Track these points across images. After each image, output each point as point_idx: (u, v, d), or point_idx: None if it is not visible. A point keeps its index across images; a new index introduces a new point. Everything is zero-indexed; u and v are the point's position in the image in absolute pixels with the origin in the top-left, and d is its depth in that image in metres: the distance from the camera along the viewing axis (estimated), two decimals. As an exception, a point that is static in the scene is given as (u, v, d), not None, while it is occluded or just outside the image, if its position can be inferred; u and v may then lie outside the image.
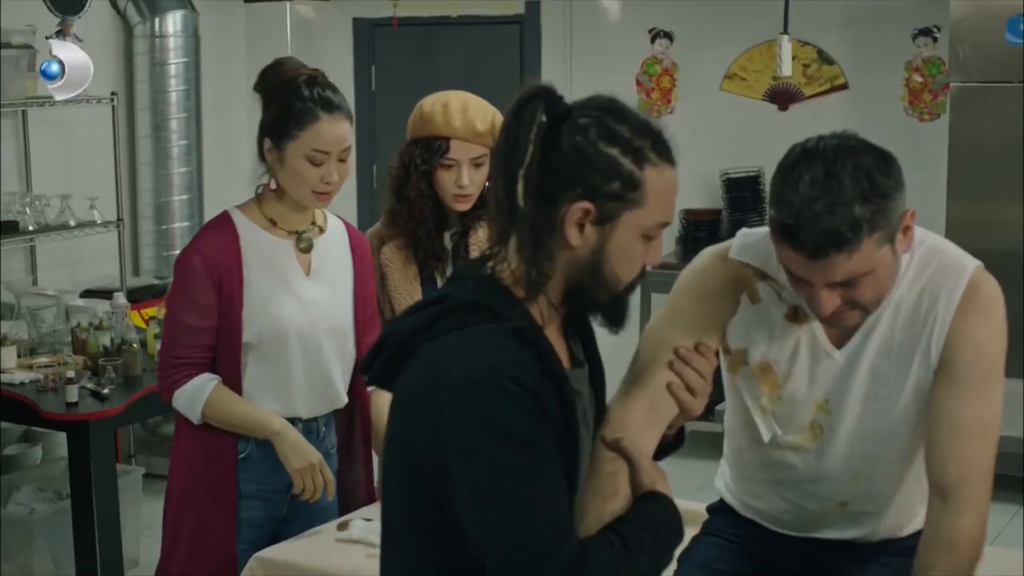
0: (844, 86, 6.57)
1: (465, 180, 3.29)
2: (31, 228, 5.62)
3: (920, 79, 6.41)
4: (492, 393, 1.79)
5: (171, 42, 6.40)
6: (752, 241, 2.31)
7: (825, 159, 2.05)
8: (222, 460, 3.04)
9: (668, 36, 6.87)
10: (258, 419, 3.01)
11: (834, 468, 2.34)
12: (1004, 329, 2.23)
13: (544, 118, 1.88)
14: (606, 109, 1.92)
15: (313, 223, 3.14)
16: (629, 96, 6.87)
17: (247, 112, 7.27)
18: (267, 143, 2.99)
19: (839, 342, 2.27)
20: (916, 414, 2.26)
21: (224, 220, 3.08)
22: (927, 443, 2.22)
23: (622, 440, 1.99)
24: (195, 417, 3.00)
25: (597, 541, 1.89)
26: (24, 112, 5.89)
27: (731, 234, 6.97)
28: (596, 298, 1.95)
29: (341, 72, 7.39)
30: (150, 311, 5.52)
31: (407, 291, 3.40)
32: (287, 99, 2.97)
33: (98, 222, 5.85)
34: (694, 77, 6.84)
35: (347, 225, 3.26)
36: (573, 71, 7.00)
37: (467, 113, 3.31)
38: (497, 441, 1.79)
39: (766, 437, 2.34)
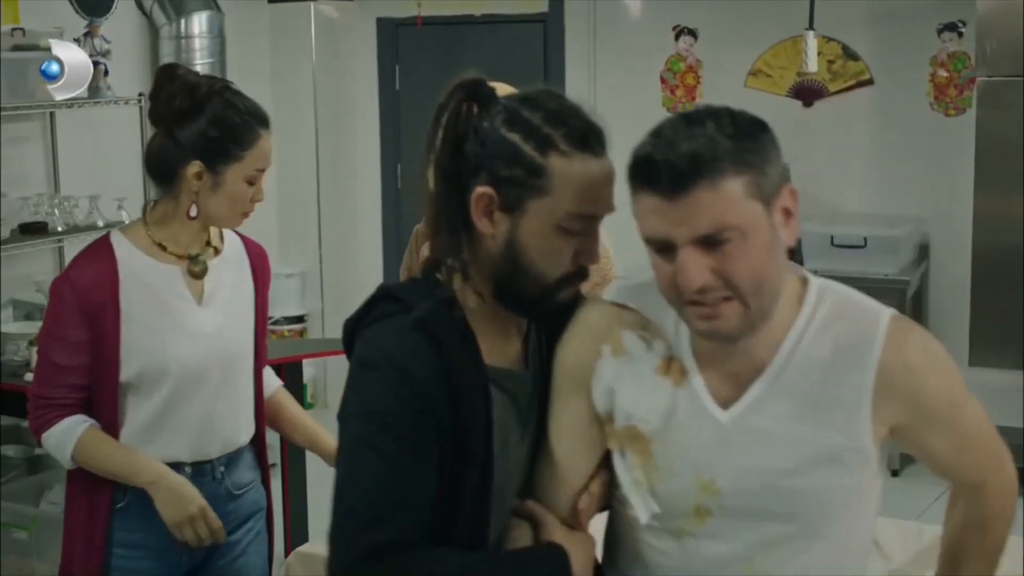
0: (869, 82, 6.55)
1: None
2: (60, 229, 5.65)
3: (945, 74, 6.39)
4: (370, 374, 1.87)
5: (197, 43, 6.43)
6: (630, 285, 2.01)
7: (693, 111, 1.81)
8: (97, 508, 2.79)
9: (692, 33, 6.87)
10: (130, 466, 2.74)
11: (722, 557, 1.86)
12: (949, 360, 1.92)
13: (465, 107, 1.91)
14: (525, 98, 1.93)
15: (208, 243, 2.85)
16: (653, 93, 6.94)
17: (271, 111, 7.30)
18: (195, 166, 2.69)
19: (726, 401, 1.86)
20: (828, 490, 1.83)
21: (102, 246, 2.78)
22: (943, 465, 1.98)
23: (527, 504, 1.95)
24: (65, 461, 2.78)
25: (438, 551, 1.86)
26: (52, 114, 5.92)
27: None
28: (524, 292, 1.92)
29: (365, 72, 7.42)
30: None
31: None
32: (222, 115, 2.70)
33: (126, 223, 5.86)
34: (719, 74, 6.84)
35: (244, 239, 2.96)
36: (597, 69, 7.01)
37: None
38: (363, 418, 1.86)
39: (643, 518, 1.88)
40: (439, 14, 7.18)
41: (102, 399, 2.74)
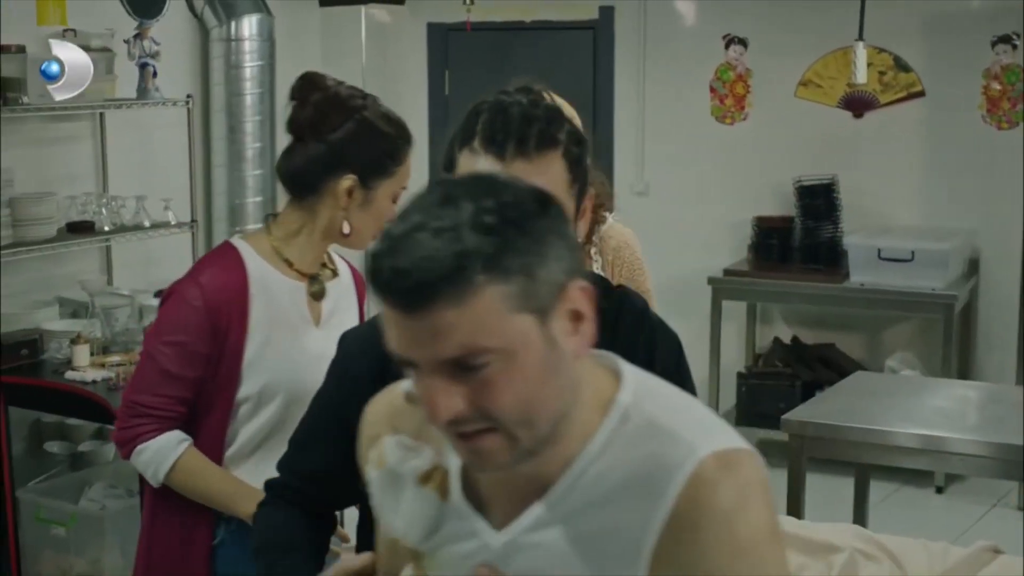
0: (921, 93, 6.49)
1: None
2: (107, 228, 5.69)
3: (999, 87, 6.32)
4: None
5: (246, 45, 6.46)
6: None
7: (453, 185, 1.45)
8: (194, 540, 2.60)
9: (742, 42, 6.83)
10: (233, 494, 2.54)
11: None
12: (768, 505, 1.49)
13: None
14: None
15: (325, 265, 2.73)
16: (702, 102, 6.90)
17: (321, 115, 7.34)
18: (349, 180, 2.54)
19: (504, 517, 1.55)
20: None
21: (230, 253, 2.61)
22: None
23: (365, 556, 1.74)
24: (155, 480, 2.58)
25: (283, 511, 2.10)
26: (102, 114, 5.97)
27: (804, 241, 6.92)
28: None
29: (415, 76, 7.44)
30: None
31: None
32: (380, 129, 2.56)
33: (172, 223, 5.92)
34: (768, 83, 6.79)
35: (351, 266, 2.85)
36: (646, 77, 6.98)
37: None
38: None
39: None
40: (489, 19, 7.18)
41: (211, 417, 2.55)
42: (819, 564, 2.71)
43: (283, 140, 7.33)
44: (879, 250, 6.09)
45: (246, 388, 2.56)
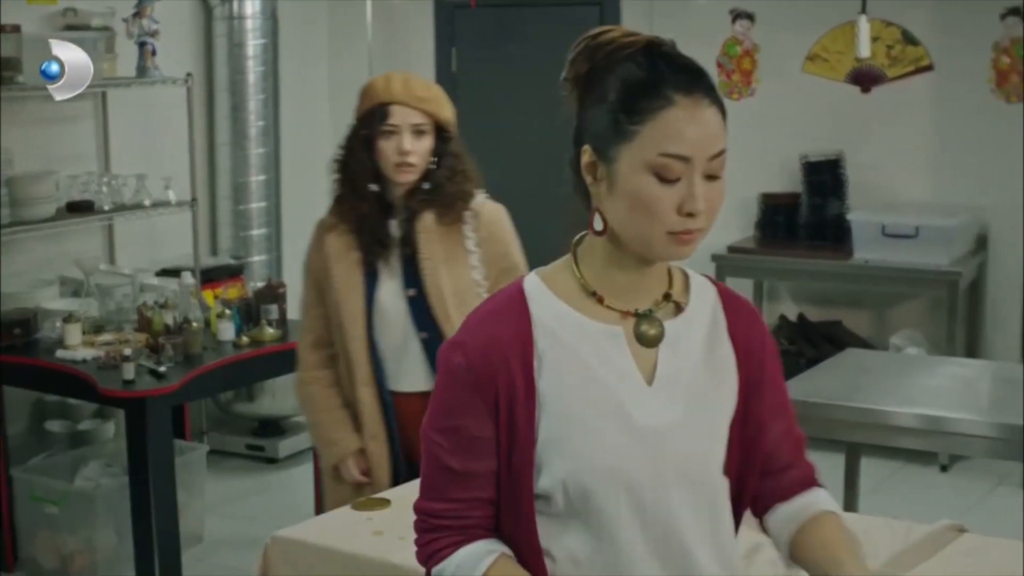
0: (929, 67, 6.40)
1: (406, 145, 3.28)
2: (106, 208, 5.71)
3: (1008, 60, 6.22)
4: None
5: (249, 23, 6.46)
6: None
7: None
8: None
9: (749, 17, 6.76)
10: None
11: None
12: None
13: None
14: None
15: (666, 295, 1.91)
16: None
17: (327, 94, 7.35)
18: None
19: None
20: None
21: (512, 295, 1.89)
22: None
23: None
24: None
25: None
26: (103, 93, 5.98)
27: (810, 218, 6.85)
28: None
29: (421, 53, 7.41)
30: (234, 291, 5.62)
31: (348, 281, 3.37)
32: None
33: (172, 202, 5.93)
34: (775, 58, 6.72)
35: (722, 289, 1.98)
36: (653, 52, 6.92)
37: (408, 81, 3.35)
38: None
39: None
40: (496, -4, 7.14)
41: (514, 518, 1.88)
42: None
43: (287, 118, 7.40)
44: (883, 226, 6.02)
45: (546, 479, 1.85)
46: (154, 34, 5.82)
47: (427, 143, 3.33)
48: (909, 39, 6.41)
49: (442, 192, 3.35)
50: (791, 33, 6.65)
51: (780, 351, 2.06)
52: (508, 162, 7.22)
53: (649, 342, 1.85)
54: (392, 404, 3.41)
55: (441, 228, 3.36)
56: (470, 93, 7.34)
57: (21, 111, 5.63)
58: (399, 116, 3.29)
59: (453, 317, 3.28)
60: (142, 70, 5.82)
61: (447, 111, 3.41)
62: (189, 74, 5.99)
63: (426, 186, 3.34)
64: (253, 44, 6.48)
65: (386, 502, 3.02)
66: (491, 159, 7.71)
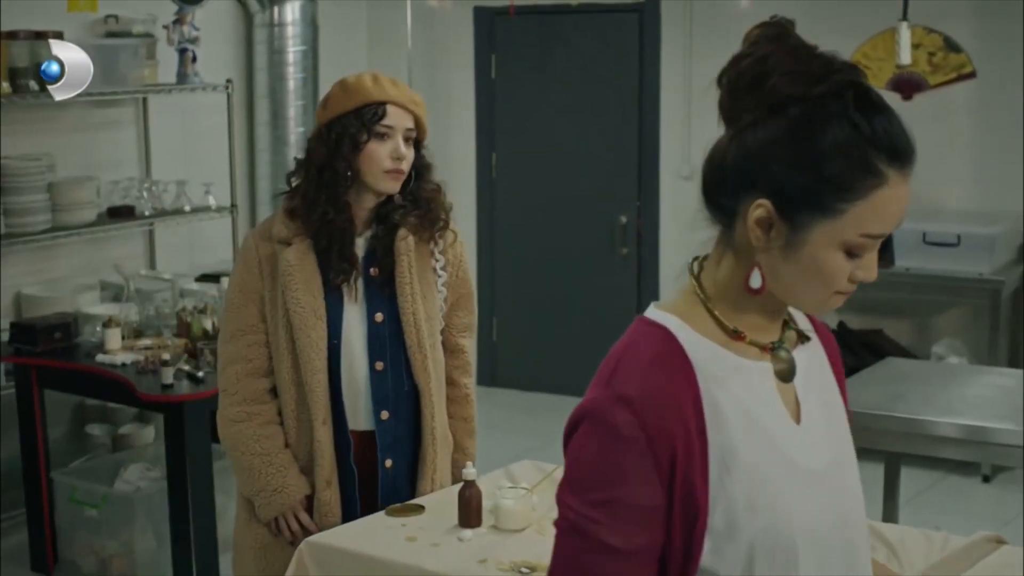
0: (971, 75, 6.35)
1: (403, 149, 2.96)
2: (147, 213, 5.75)
3: (1051, 67, 6.16)
4: None
5: (289, 30, 6.49)
6: None
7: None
8: None
9: (790, 23, 6.71)
10: None
11: None
12: None
13: None
14: None
15: (789, 325, 1.70)
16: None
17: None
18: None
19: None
20: None
21: (667, 339, 1.60)
22: None
23: None
24: None
25: None
26: (144, 100, 6.03)
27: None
28: None
29: (461, 61, 7.42)
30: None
31: (310, 305, 2.97)
32: None
33: (212, 207, 5.96)
34: (816, 65, 6.67)
35: (815, 322, 1.79)
36: (693, 61, 6.90)
37: (397, 82, 3.04)
38: None
39: None
40: (535, 3, 7.14)
41: None
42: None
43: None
44: (924, 234, 5.98)
45: (724, 547, 1.56)
46: (194, 41, 5.86)
47: (412, 151, 3.03)
48: (951, 46, 6.36)
49: (429, 206, 3.06)
50: (832, 40, 6.47)
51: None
52: (546, 168, 7.22)
53: (787, 376, 1.65)
54: (351, 445, 3.04)
55: (417, 247, 3.06)
56: (509, 100, 7.36)
57: (63, 117, 5.68)
58: (395, 117, 2.98)
59: (425, 346, 3.02)
60: (182, 76, 5.86)
61: (425, 119, 3.10)
62: (229, 80, 6.02)
63: (398, 200, 3.03)
64: (293, 51, 6.51)
65: (420, 508, 3.01)
66: (529, 165, 7.77)
